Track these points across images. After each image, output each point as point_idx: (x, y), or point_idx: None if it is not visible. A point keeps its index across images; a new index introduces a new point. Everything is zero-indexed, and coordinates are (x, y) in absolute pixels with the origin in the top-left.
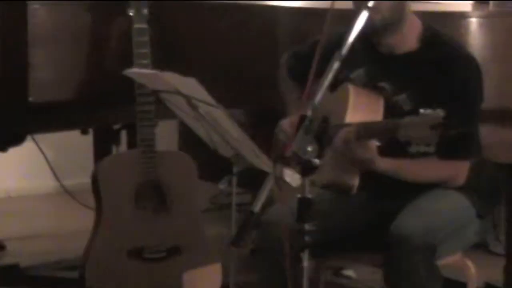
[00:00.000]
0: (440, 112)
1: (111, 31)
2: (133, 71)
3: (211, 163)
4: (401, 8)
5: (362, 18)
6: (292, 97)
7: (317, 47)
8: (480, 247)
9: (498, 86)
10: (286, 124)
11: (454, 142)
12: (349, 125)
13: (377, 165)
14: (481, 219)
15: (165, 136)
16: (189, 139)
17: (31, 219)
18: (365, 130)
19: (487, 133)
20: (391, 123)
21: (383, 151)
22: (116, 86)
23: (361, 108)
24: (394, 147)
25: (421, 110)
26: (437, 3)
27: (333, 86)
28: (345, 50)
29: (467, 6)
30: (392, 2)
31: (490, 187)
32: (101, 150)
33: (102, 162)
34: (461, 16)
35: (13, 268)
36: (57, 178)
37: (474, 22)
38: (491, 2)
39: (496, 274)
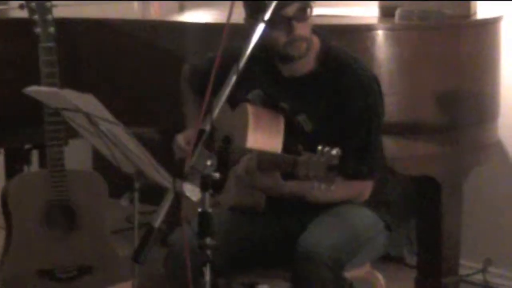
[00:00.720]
0: (337, 152)
1: (18, 50)
2: (32, 89)
3: (125, 181)
4: (310, 39)
5: (259, 31)
6: (191, 111)
7: (214, 61)
8: (395, 260)
9: (405, 99)
10: (181, 138)
11: (356, 166)
12: (250, 151)
13: (281, 191)
14: (390, 231)
15: (79, 154)
16: (103, 157)
17: None
18: (266, 162)
19: (396, 146)
20: (290, 159)
21: (288, 174)
22: (24, 106)
23: (261, 128)
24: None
25: (319, 147)
26: (343, 16)
27: (233, 105)
28: (242, 63)
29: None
30: (304, 38)
31: (400, 199)
32: (12, 170)
33: (11, 181)
34: (367, 29)
35: None
36: None
37: (380, 34)
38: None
39: (411, 286)
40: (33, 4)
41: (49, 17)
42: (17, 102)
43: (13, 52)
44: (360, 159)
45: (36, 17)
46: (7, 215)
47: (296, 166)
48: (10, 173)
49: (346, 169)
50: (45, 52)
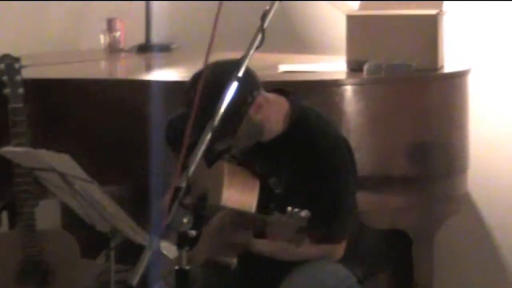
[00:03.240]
0: (306, 214)
1: None
2: (6, 150)
3: (96, 240)
4: (257, 129)
5: (233, 89)
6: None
7: (186, 118)
8: None
9: (374, 153)
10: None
11: (326, 230)
12: (223, 208)
13: (252, 248)
14: (362, 285)
15: (48, 214)
16: (73, 217)
17: None
18: (237, 219)
19: (366, 200)
20: (259, 218)
21: (260, 233)
22: None
23: (236, 187)
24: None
25: (289, 208)
26: (311, 72)
27: (210, 160)
28: (216, 121)
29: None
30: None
31: (371, 253)
32: None
33: None
34: (336, 84)
35: None
36: None
37: (349, 89)
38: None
39: None
40: (2, 65)
41: (18, 78)
42: None
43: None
44: (329, 221)
45: (5, 78)
46: None
47: (265, 225)
48: None
49: (315, 232)
50: (13, 113)
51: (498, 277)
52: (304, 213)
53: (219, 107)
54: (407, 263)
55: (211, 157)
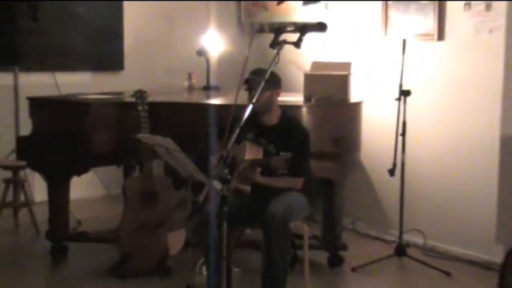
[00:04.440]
0: (289, 154)
1: (130, 117)
2: (141, 136)
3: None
4: (270, 103)
5: (249, 109)
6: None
7: (230, 122)
8: (311, 219)
9: (316, 140)
10: (214, 159)
11: (296, 170)
12: (246, 161)
13: (258, 180)
14: (310, 204)
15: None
16: (170, 169)
17: None
18: (253, 162)
19: (312, 162)
20: (266, 160)
21: (263, 173)
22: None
23: (252, 153)
24: (269, 171)
25: (281, 153)
26: (288, 101)
27: (238, 141)
28: (241, 123)
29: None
30: (265, 98)
31: (314, 189)
32: (127, 175)
33: (127, 180)
34: (298, 107)
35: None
36: None
37: (304, 109)
38: None
39: (319, 232)
40: (137, 94)
41: (144, 101)
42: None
43: (128, 118)
44: (299, 166)
45: (139, 101)
46: (125, 197)
47: (270, 163)
48: (126, 176)
49: (291, 170)
50: (142, 118)
51: (376, 204)
52: (288, 154)
53: (243, 117)
54: (332, 196)
55: (238, 140)
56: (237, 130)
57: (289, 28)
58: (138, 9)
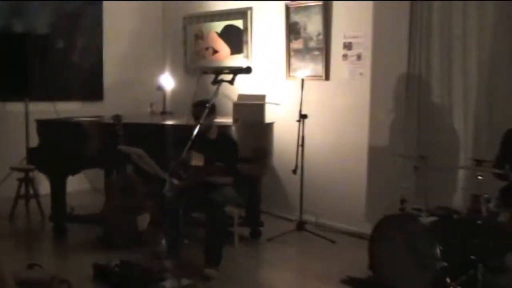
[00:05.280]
0: (222, 165)
1: (109, 136)
2: (124, 147)
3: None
4: (210, 124)
5: (197, 129)
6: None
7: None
8: (240, 205)
9: (242, 150)
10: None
11: (228, 171)
12: (196, 167)
13: (202, 179)
14: (238, 194)
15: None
16: (138, 169)
17: None
18: (198, 170)
19: (240, 166)
20: (207, 167)
21: (206, 175)
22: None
23: (196, 160)
24: (210, 174)
25: (217, 163)
26: (222, 122)
27: (190, 150)
28: (191, 139)
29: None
30: (207, 121)
31: (241, 184)
32: (107, 175)
33: (108, 180)
34: (229, 126)
35: None
36: None
37: (233, 128)
38: None
39: (243, 213)
40: (115, 117)
41: (121, 122)
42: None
43: (107, 134)
44: (231, 168)
45: (116, 122)
46: (106, 190)
47: (209, 169)
48: (106, 175)
49: (226, 172)
50: (120, 135)
51: (283, 194)
52: (221, 165)
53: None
54: (253, 189)
55: (189, 150)
56: (189, 143)
57: (225, 71)
58: (114, 56)
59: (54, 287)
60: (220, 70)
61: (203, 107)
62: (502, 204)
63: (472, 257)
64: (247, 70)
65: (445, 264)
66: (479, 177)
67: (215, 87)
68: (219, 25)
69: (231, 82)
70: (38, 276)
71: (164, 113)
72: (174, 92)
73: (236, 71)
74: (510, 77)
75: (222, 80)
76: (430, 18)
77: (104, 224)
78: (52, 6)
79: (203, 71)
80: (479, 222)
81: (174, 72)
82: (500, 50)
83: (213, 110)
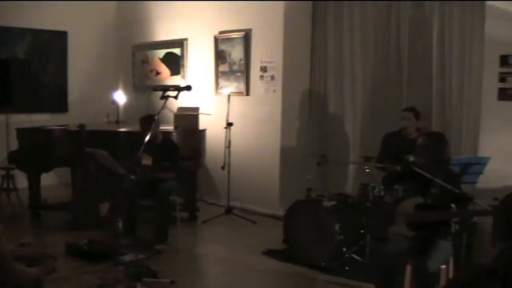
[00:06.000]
0: (168, 163)
1: (73, 143)
2: (90, 149)
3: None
4: (156, 131)
5: (148, 136)
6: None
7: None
8: (179, 193)
9: (182, 151)
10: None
11: (171, 168)
12: (149, 165)
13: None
14: (179, 185)
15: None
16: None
17: None
18: (148, 169)
19: (181, 163)
20: (157, 166)
21: (157, 171)
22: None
23: (147, 160)
24: (159, 170)
25: (164, 163)
26: (166, 129)
27: (143, 152)
28: (143, 144)
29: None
30: (155, 128)
31: (181, 177)
32: None
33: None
34: (171, 132)
35: None
36: None
37: (174, 134)
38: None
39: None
40: (80, 126)
41: (84, 129)
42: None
43: (73, 139)
44: (173, 165)
45: (81, 129)
46: (73, 183)
47: (160, 167)
48: (72, 171)
49: (169, 168)
50: (84, 139)
51: (214, 185)
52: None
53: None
54: (191, 184)
55: (143, 152)
56: (143, 147)
57: (171, 88)
58: (76, 76)
59: (44, 261)
60: (167, 88)
61: (150, 120)
62: (384, 189)
63: (362, 231)
64: (188, 88)
65: (342, 237)
66: (367, 170)
67: (162, 101)
68: (161, 52)
69: (176, 97)
70: (31, 252)
71: (118, 122)
72: (126, 105)
73: (179, 88)
74: (388, 93)
75: (169, 96)
76: (326, 46)
77: (72, 211)
78: (29, 36)
79: (153, 89)
80: (367, 204)
81: (125, 89)
82: (379, 69)
83: (158, 122)
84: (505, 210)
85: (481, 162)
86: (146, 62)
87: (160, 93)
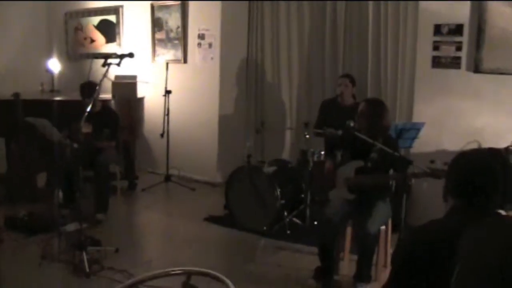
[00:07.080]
0: (107, 131)
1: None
2: (30, 118)
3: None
4: (97, 99)
5: (90, 106)
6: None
7: None
8: (118, 163)
9: (121, 119)
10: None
11: (111, 136)
12: (88, 133)
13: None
14: (118, 155)
15: None
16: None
17: None
18: (88, 137)
19: (120, 132)
20: (96, 134)
21: (96, 139)
22: None
23: (86, 127)
24: (97, 139)
25: (104, 129)
26: (105, 98)
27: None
28: (85, 113)
29: None
30: (96, 97)
31: (121, 147)
32: None
33: None
34: (110, 100)
35: None
36: None
37: (112, 102)
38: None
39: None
40: (15, 94)
41: (19, 98)
42: None
43: (5, 112)
44: (112, 134)
45: (16, 98)
46: (12, 154)
47: (100, 135)
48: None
49: (108, 137)
50: (20, 108)
51: (152, 154)
52: (106, 131)
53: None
54: (128, 150)
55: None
56: (85, 115)
57: (114, 56)
58: (7, 47)
59: None
60: (109, 55)
61: (91, 87)
62: (324, 154)
63: (302, 195)
64: (130, 55)
65: (283, 202)
66: (307, 136)
67: (98, 69)
68: (95, 19)
69: (118, 64)
70: None
71: (53, 91)
72: (60, 74)
73: (122, 55)
74: (323, 61)
75: (111, 63)
76: (263, 16)
77: (7, 183)
78: None
79: (94, 56)
80: (309, 169)
81: (59, 58)
82: (315, 37)
83: (98, 90)
84: (456, 168)
85: (416, 128)
86: (80, 30)
87: (100, 61)
